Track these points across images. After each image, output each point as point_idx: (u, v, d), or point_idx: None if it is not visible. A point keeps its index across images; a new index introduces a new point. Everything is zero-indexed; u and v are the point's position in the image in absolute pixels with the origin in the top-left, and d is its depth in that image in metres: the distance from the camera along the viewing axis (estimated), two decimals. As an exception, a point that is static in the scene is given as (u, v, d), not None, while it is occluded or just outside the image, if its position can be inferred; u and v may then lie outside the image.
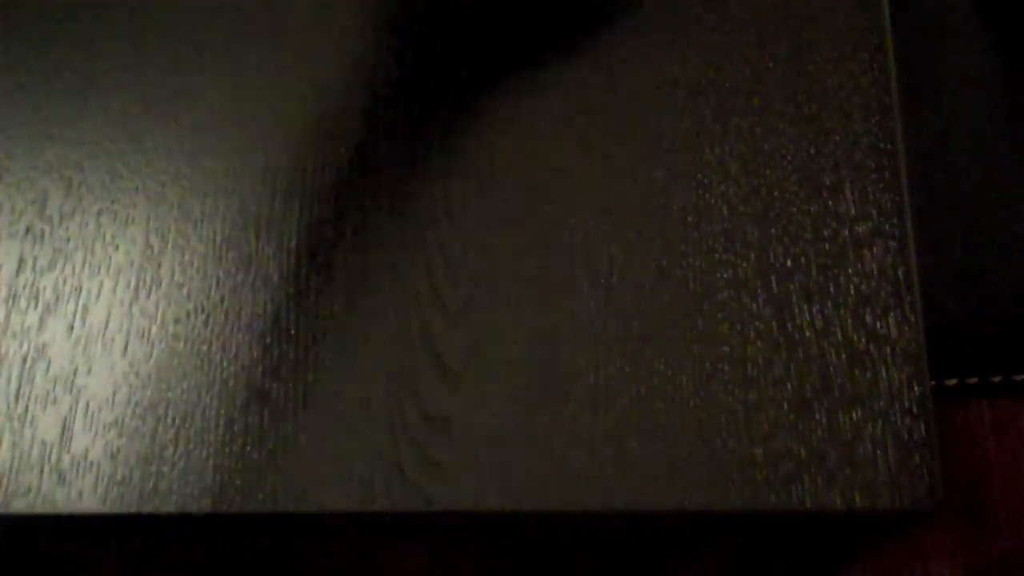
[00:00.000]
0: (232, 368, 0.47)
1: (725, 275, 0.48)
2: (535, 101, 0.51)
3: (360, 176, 0.50)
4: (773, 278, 0.48)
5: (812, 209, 0.49)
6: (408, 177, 0.50)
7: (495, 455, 0.45)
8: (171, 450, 0.45)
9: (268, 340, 0.47)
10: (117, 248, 0.49)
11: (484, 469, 0.45)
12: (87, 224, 0.49)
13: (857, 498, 0.45)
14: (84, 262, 0.48)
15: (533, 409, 0.46)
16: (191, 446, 0.45)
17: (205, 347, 0.47)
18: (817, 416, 0.46)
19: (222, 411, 0.46)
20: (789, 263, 0.49)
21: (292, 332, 0.47)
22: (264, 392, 0.46)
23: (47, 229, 0.49)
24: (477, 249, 0.48)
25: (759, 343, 0.47)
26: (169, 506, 0.45)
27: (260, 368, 0.47)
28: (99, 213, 0.49)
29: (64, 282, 0.48)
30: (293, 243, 0.48)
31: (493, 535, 0.45)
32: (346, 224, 0.49)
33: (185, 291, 0.48)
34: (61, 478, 0.45)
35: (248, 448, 0.45)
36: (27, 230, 0.49)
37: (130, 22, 0.52)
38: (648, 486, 0.45)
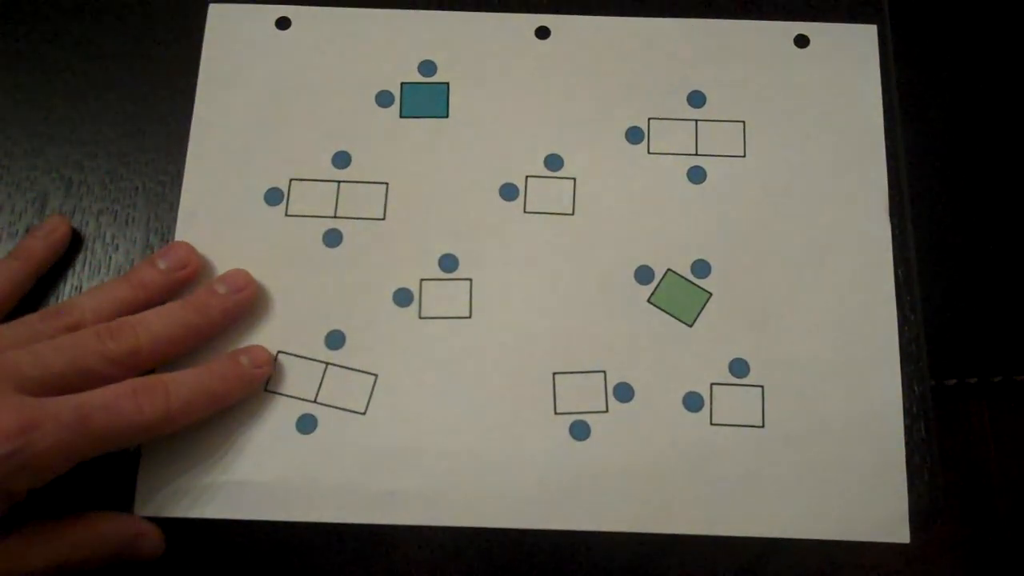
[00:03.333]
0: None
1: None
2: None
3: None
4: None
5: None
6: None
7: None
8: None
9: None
10: (117, 248, 0.49)
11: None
12: (87, 224, 0.49)
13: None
14: (84, 262, 0.48)
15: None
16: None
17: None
18: (816, 417, 0.46)
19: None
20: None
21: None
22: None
23: (47, 229, 0.49)
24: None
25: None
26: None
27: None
28: (99, 213, 0.49)
29: (64, 282, 0.48)
30: (293, 243, 0.48)
31: (493, 541, 0.45)
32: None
33: (184, 291, 0.48)
34: (58, 477, 0.45)
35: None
36: (27, 230, 0.49)
37: (130, 22, 0.52)
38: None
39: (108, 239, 0.49)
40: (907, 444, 0.46)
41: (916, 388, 0.46)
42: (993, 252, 0.83)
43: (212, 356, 0.46)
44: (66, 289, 0.48)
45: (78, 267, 0.48)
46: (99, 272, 0.48)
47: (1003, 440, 0.97)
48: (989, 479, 0.96)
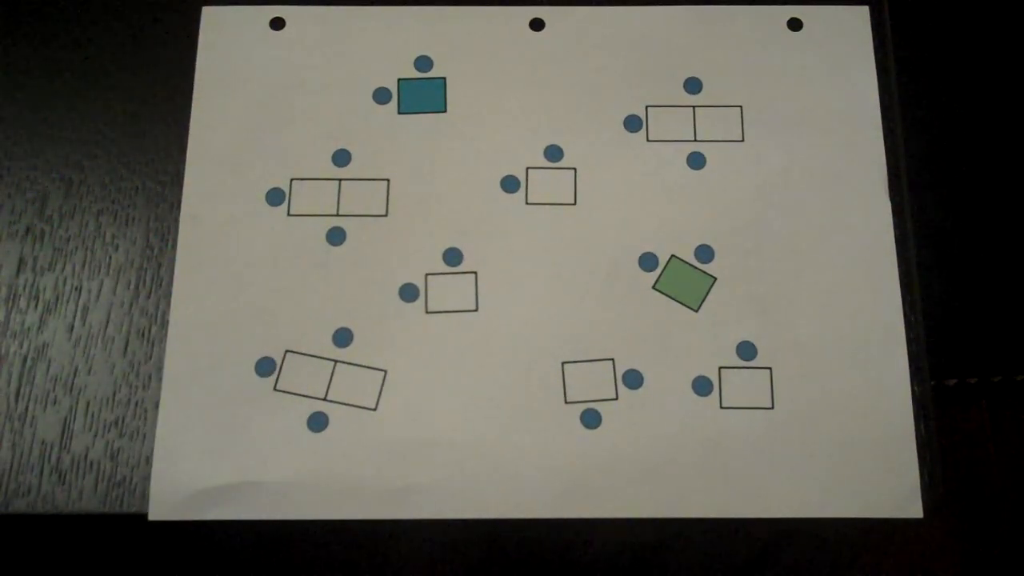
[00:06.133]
0: (232, 368, 0.46)
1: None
2: None
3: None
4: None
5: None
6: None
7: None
8: (171, 450, 0.45)
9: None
10: (117, 248, 0.49)
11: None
12: (87, 224, 0.49)
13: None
14: (84, 262, 0.48)
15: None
16: (191, 446, 0.45)
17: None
18: (818, 414, 0.46)
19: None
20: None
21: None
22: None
23: (47, 229, 0.49)
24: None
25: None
26: (169, 506, 0.45)
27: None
28: (99, 213, 0.49)
29: (64, 282, 0.48)
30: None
31: (494, 538, 0.45)
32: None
33: (185, 291, 0.48)
34: (61, 478, 0.45)
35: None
36: (27, 230, 0.49)
37: (129, 23, 0.52)
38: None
39: (108, 239, 0.49)
40: (907, 444, 0.45)
41: (916, 388, 0.47)
42: (993, 252, 0.83)
43: (216, 360, 0.46)
44: (67, 290, 0.48)
45: (78, 267, 0.48)
46: (99, 272, 0.48)
47: (1003, 440, 0.97)
48: (989, 479, 0.96)
